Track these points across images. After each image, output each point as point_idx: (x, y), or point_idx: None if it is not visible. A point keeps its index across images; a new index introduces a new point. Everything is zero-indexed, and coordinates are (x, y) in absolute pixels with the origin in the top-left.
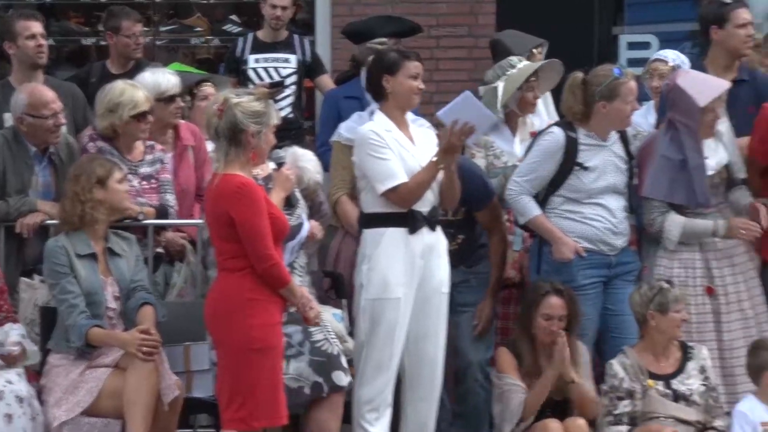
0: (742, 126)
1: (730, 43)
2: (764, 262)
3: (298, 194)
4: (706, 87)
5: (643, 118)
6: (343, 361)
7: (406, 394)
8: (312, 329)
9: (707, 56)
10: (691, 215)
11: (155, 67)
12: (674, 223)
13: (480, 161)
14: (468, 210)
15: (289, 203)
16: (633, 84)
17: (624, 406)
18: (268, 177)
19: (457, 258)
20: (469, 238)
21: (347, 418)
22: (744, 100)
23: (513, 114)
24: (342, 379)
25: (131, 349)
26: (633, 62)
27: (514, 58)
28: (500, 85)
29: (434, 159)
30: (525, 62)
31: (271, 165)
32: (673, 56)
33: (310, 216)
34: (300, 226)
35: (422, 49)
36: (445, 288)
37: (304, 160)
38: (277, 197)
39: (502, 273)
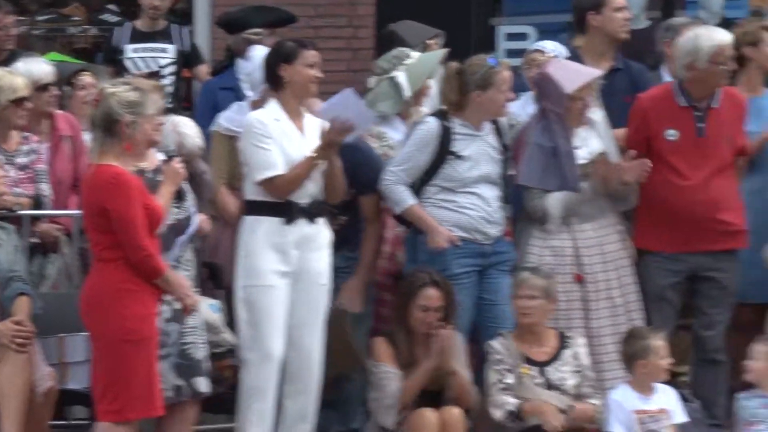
0: (618, 115)
1: (608, 27)
2: (640, 251)
3: (186, 187)
4: (574, 74)
5: (522, 109)
6: (206, 366)
7: (286, 386)
8: (186, 330)
9: (583, 44)
10: None
11: (30, 56)
12: (555, 199)
13: None
14: (356, 192)
15: (178, 196)
16: (507, 73)
17: (511, 378)
18: (157, 169)
19: (338, 240)
20: (352, 220)
21: (231, 409)
22: (620, 90)
23: (405, 104)
24: (202, 385)
25: (4, 340)
26: (511, 53)
27: (406, 49)
28: (400, 75)
29: (312, 154)
30: (416, 53)
31: (160, 156)
32: (552, 47)
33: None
34: (188, 219)
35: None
36: (324, 280)
37: (183, 125)
38: (166, 191)
39: (370, 263)
